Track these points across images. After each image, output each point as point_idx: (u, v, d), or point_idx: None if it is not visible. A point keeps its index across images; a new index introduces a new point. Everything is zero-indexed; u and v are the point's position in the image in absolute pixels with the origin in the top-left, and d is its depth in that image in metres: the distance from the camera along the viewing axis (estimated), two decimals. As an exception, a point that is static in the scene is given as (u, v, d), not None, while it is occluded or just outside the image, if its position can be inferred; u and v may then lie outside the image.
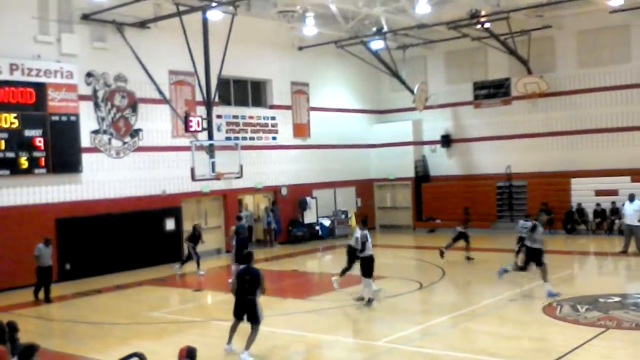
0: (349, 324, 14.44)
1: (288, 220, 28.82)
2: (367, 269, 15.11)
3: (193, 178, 21.31)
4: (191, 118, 21.50)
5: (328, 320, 14.41)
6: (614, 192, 26.26)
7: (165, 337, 13.36)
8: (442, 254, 20.82)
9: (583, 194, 27.69)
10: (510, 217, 29.32)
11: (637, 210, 21.13)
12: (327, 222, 29.55)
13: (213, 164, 21.98)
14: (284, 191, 28.43)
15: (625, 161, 26.93)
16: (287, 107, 29.13)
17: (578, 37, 28.61)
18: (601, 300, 14.50)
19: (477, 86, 31.20)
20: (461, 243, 21.10)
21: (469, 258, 21.03)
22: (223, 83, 25.39)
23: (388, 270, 19.53)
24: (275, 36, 27.88)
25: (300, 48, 29.23)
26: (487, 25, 27.02)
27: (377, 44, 28.90)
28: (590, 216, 27.16)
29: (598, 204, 26.92)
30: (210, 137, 22.74)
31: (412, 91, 31.22)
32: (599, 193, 27.21)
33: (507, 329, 12.99)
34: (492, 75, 30.80)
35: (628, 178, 26.58)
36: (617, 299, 14.65)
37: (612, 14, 26.11)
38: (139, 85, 23.20)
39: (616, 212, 25.32)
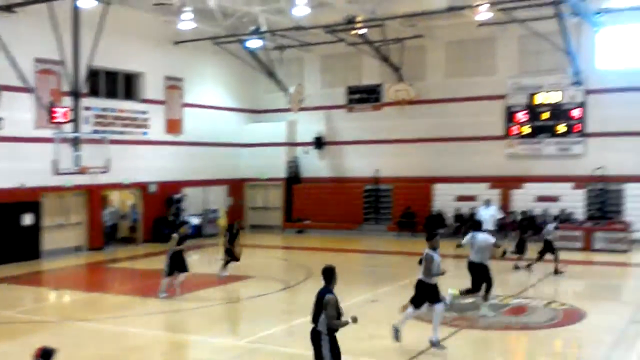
0: (214, 323, 14.35)
1: (155, 218, 28.10)
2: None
3: (55, 172, 20.40)
4: (56, 109, 20.60)
5: (193, 320, 14.27)
6: (473, 198, 27.70)
7: (18, 338, 12.73)
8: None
9: (445, 199, 29.03)
10: (376, 219, 30.25)
11: (493, 215, 22.41)
12: (196, 221, 29.11)
13: (78, 157, 21.17)
14: (152, 188, 27.75)
15: (484, 168, 28.46)
16: (160, 102, 28.51)
17: (447, 48, 29.93)
18: (456, 301, 15.20)
19: (351, 91, 31.91)
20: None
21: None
22: (93, 74, 24.53)
23: (255, 270, 19.59)
24: (151, 29, 27.24)
25: (176, 43, 28.67)
26: (362, 31, 27.71)
27: (254, 43, 28.89)
28: (451, 220, 28.50)
29: (458, 209, 28.30)
30: (77, 129, 21.87)
31: (287, 92, 31.53)
32: (459, 198, 28.62)
33: (368, 328, 13.35)
34: (365, 81, 31.61)
35: (487, 185, 28.20)
36: (472, 300, 15.41)
37: (480, 27, 27.44)
38: (1, 71, 21.86)
39: (473, 217, 26.69)
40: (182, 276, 16.29)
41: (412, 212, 28.96)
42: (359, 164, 31.33)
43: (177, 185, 28.89)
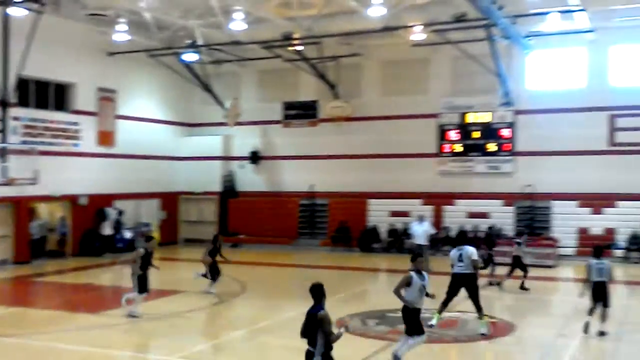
0: (143, 339, 14.07)
1: (85, 231, 27.40)
2: None
3: (-20, 182, 19.74)
4: (-18, 118, 19.95)
5: (121, 336, 13.96)
6: (407, 214, 28.12)
7: None
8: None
9: (379, 214, 29.37)
10: (311, 234, 30.34)
11: (426, 230, 22.80)
12: (128, 235, 28.54)
13: (5, 168, 20.53)
14: (82, 200, 27.07)
15: (418, 185, 28.94)
16: (92, 114, 27.94)
17: (383, 67, 30.43)
18: (389, 315, 15.38)
19: (287, 106, 32.03)
20: None
21: None
22: (23, 84, 23.87)
23: (188, 285, 19.33)
24: (84, 39, 26.76)
25: (111, 54, 28.20)
26: (299, 48, 27.91)
27: (190, 57, 28.68)
28: (385, 235, 28.83)
29: (392, 224, 28.67)
30: (4, 140, 21.23)
31: (224, 106, 31.41)
32: (393, 214, 29.01)
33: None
34: (302, 97, 31.79)
35: (420, 201, 28.69)
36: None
37: (415, 48, 27.98)
38: None
39: (407, 232, 27.08)
40: (141, 297, 15.29)
41: (347, 226, 29.17)
42: (295, 178, 31.39)
43: (109, 198, 28.28)
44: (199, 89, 31.71)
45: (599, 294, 13.24)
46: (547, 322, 15.58)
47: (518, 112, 27.91)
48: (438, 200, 28.68)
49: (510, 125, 28.10)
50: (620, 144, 26.60)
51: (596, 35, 26.10)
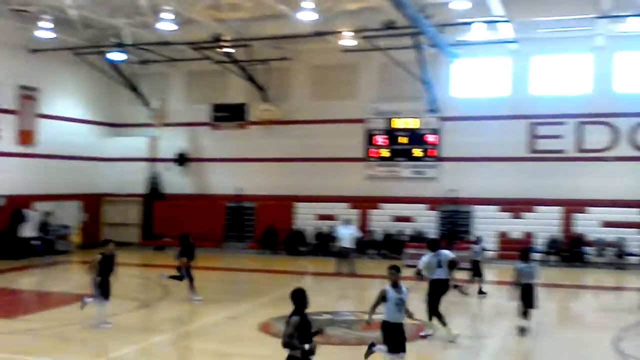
0: (62, 345, 13.69)
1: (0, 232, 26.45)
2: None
3: None
4: None
5: (40, 341, 13.55)
6: (333, 217, 28.37)
7: None
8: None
9: (306, 217, 29.52)
10: (238, 237, 30.20)
11: (352, 234, 23.07)
12: (47, 237, 27.64)
13: None
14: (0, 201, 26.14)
15: (345, 189, 29.22)
16: (12, 112, 27.03)
17: (313, 71, 30.60)
18: (314, 317, 15.44)
19: (216, 108, 31.80)
20: None
21: None
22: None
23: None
24: (5, 36, 25.86)
25: (33, 51, 27.34)
26: (229, 50, 27.79)
27: (117, 56, 28.14)
28: (312, 239, 29.00)
29: (319, 228, 28.87)
30: None
31: (150, 107, 30.94)
32: (320, 217, 29.21)
33: (225, 346, 13.32)
34: (231, 99, 31.62)
35: (347, 204, 28.99)
36: (328, 316, 15.75)
37: (345, 53, 28.21)
38: None
39: (333, 235, 27.29)
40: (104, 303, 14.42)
41: (274, 230, 29.18)
42: (223, 181, 31.17)
43: (28, 199, 27.40)
44: (125, 89, 31.14)
45: (528, 296, 13.70)
46: (467, 323, 15.99)
47: (443, 119, 28.55)
48: (364, 204, 29.04)
49: (436, 131, 28.73)
50: (539, 151, 27.58)
51: (519, 46, 27.02)
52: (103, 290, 14.29)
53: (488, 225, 27.43)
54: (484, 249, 20.30)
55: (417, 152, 28.92)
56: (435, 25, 23.15)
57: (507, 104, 27.80)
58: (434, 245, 14.19)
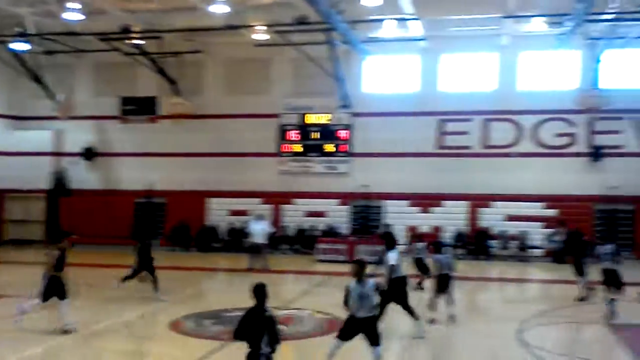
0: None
1: None
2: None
3: None
4: None
5: None
6: (246, 212, 28.21)
7: None
8: None
9: (219, 213, 29.26)
10: (149, 233, 29.45)
11: (264, 229, 23.01)
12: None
13: None
14: None
15: (258, 184, 29.11)
16: None
17: (226, 65, 30.31)
18: (226, 314, 15.35)
19: (125, 101, 31.03)
20: None
21: None
22: None
23: (14, 288, 18.18)
24: None
25: None
26: (138, 41, 27.13)
27: (20, 46, 26.97)
28: (225, 235, 28.77)
29: (231, 223, 28.66)
30: None
31: (56, 100, 29.81)
32: (233, 213, 29.00)
33: (135, 345, 13.04)
34: (141, 92, 30.94)
35: (260, 200, 28.89)
36: (240, 312, 15.60)
37: (257, 48, 28.08)
38: None
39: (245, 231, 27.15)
40: (64, 305, 13.53)
41: (186, 226, 28.75)
42: (133, 176, 30.43)
43: None
44: (28, 80, 29.88)
45: (445, 286, 14.20)
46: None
47: (355, 115, 28.89)
48: (277, 199, 29.05)
49: (348, 127, 29.04)
50: (447, 147, 28.34)
51: (428, 43, 27.65)
52: (60, 290, 13.48)
53: (398, 220, 27.95)
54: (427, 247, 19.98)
55: (330, 147, 29.15)
56: (347, 22, 23.38)
57: (417, 101, 28.41)
58: (390, 242, 14.04)
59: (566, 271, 23.98)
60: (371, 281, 10.14)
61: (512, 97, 27.82)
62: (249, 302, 13.89)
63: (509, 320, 14.84)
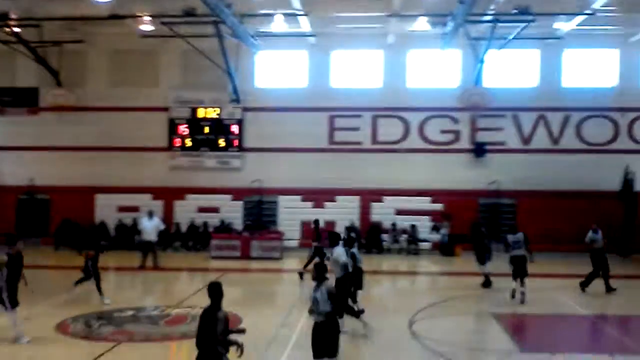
0: None
1: None
2: None
3: None
4: None
5: None
6: (137, 209, 27.45)
7: None
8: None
9: (107, 209, 28.32)
10: (32, 232, 28.12)
11: (156, 226, 22.43)
12: None
13: None
14: None
15: (148, 179, 28.37)
16: None
17: (111, 56, 29.27)
18: (116, 314, 14.89)
19: (3, 92, 29.35)
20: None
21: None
22: None
23: None
24: None
25: None
26: (16, 29, 25.77)
27: None
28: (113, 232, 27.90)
29: (121, 220, 27.83)
30: None
31: None
32: (122, 209, 28.16)
33: (21, 349, 12.38)
34: (20, 83, 29.39)
35: (149, 196, 28.17)
36: (131, 312, 15.21)
37: (143, 39, 27.34)
38: None
39: (136, 228, 26.40)
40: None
41: (72, 223, 27.57)
42: (13, 172, 28.90)
43: None
44: None
45: (360, 279, 14.62)
46: (272, 313, 16.21)
47: (246, 109, 28.70)
48: (169, 195, 28.45)
49: (239, 121, 28.80)
50: (339, 143, 28.70)
51: (318, 40, 27.85)
52: (11, 298, 12.39)
53: (292, 215, 28.11)
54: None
55: (221, 142, 28.79)
56: (236, 15, 23.14)
57: (308, 96, 28.58)
58: (334, 239, 14.27)
59: (453, 263, 25.08)
60: (324, 288, 9.46)
61: (400, 94, 28.50)
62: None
63: (402, 313, 15.22)
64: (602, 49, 28.15)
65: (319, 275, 9.59)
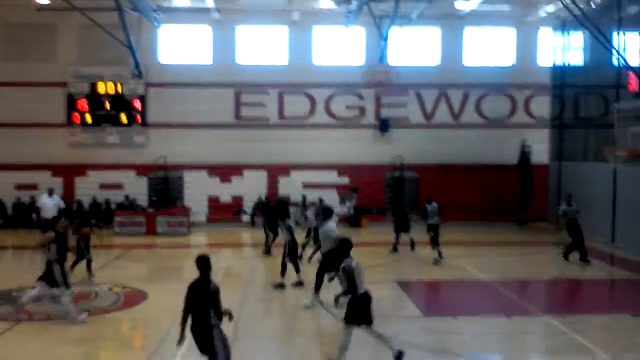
0: None
1: None
2: None
3: None
4: None
5: None
6: (35, 186, 26.52)
7: None
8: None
9: (4, 187, 27.21)
10: None
11: (57, 204, 21.75)
12: None
13: None
14: None
15: (46, 156, 27.37)
16: None
17: (5, 30, 27.87)
18: (14, 294, 14.41)
19: None
20: None
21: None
22: None
23: None
24: None
25: None
26: None
27: None
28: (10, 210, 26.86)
29: (18, 198, 26.83)
30: None
31: None
32: (19, 187, 27.12)
33: None
34: None
35: (48, 173, 27.25)
36: (31, 292, 14.72)
37: (40, 12, 26.23)
38: None
39: (35, 205, 25.50)
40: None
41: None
42: None
43: None
44: None
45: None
46: (180, 289, 16.07)
47: (149, 85, 28.07)
48: (69, 171, 27.58)
49: (142, 97, 28.14)
50: (245, 118, 28.60)
51: (222, 15, 27.53)
52: (64, 277, 12.26)
53: (198, 190, 27.89)
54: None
55: (123, 117, 28.05)
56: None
57: (213, 72, 28.25)
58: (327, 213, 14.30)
59: (360, 234, 25.59)
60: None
61: (306, 71, 28.61)
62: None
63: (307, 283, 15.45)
64: (500, 28, 29.18)
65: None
